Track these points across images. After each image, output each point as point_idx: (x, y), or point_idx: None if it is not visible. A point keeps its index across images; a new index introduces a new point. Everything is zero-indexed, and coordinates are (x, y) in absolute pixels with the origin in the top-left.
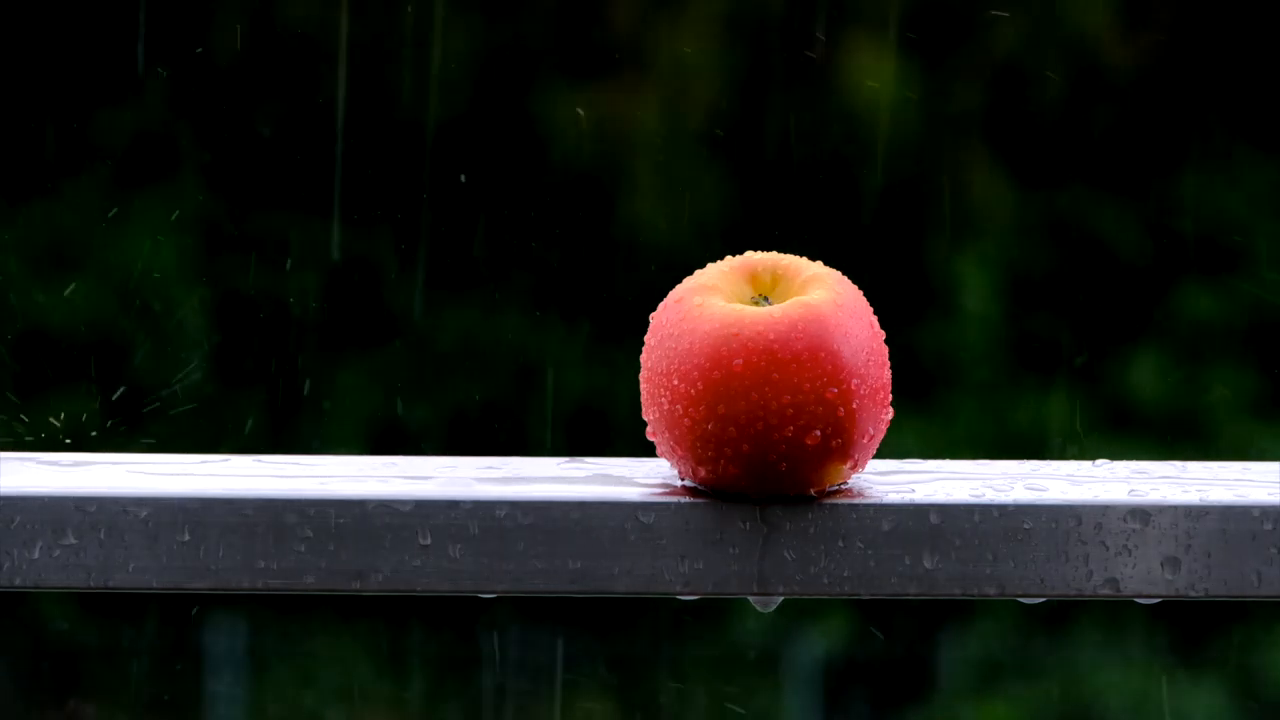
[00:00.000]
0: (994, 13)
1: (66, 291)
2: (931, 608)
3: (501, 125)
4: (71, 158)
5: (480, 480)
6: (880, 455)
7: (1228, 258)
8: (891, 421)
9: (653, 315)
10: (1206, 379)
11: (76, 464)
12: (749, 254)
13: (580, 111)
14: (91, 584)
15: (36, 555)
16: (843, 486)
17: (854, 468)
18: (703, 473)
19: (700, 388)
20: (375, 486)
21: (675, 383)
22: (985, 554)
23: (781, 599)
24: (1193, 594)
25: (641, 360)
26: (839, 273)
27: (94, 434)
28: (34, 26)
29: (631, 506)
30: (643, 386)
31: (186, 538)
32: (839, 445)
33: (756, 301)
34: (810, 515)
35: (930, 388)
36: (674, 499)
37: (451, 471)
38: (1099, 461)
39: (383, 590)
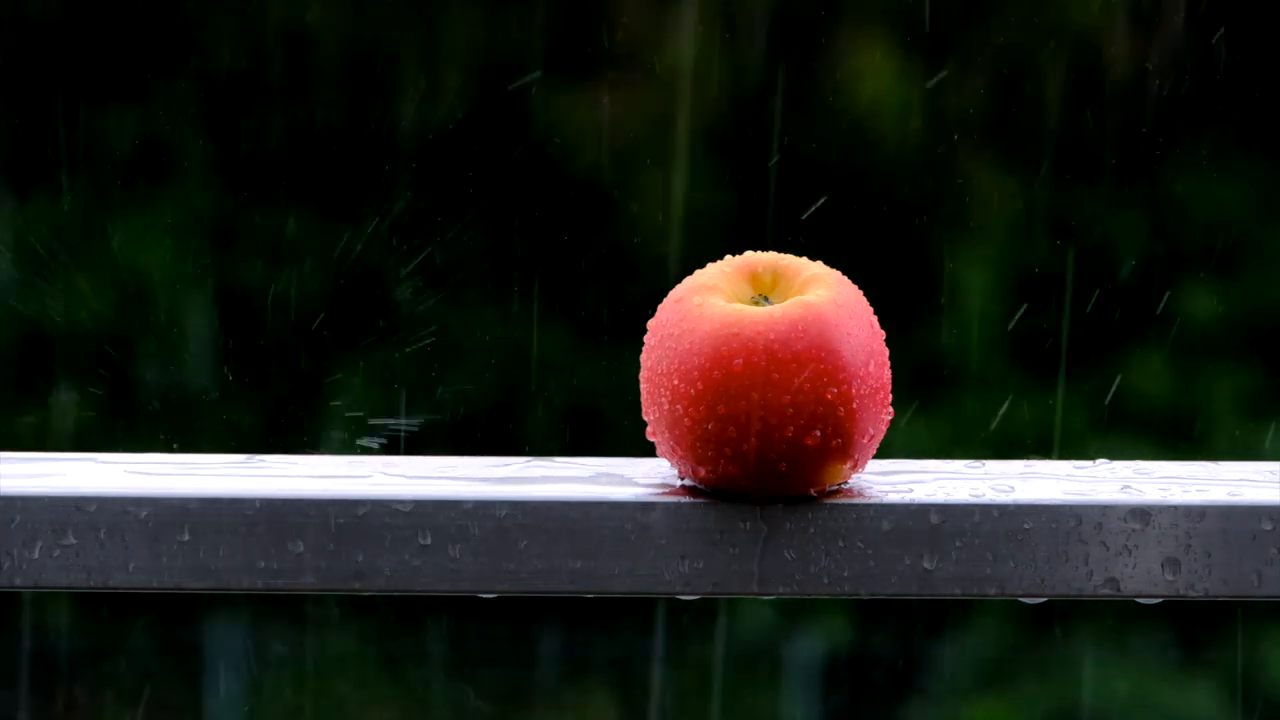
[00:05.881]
0: (994, 11)
1: (67, 291)
2: (931, 608)
3: (501, 125)
4: (72, 157)
5: (480, 480)
6: (880, 455)
7: (1228, 258)
8: (891, 421)
9: (652, 315)
10: (1206, 379)
11: (76, 464)
12: (749, 254)
13: (580, 111)
14: (91, 584)
15: (36, 555)
16: (843, 486)
17: (854, 468)
18: (703, 473)
19: (700, 388)
20: (375, 486)
21: (675, 383)
22: (985, 554)
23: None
24: (1193, 594)
25: (641, 360)
26: (839, 273)
27: (94, 434)
28: (35, 25)
29: (631, 506)
30: (643, 386)
31: (186, 538)
32: (839, 445)
33: (756, 301)
34: (810, 515)
35: (930, 388)
36: (674, 499)
37: (451, 471)
38: (1099, 461)
39: (383, 590)
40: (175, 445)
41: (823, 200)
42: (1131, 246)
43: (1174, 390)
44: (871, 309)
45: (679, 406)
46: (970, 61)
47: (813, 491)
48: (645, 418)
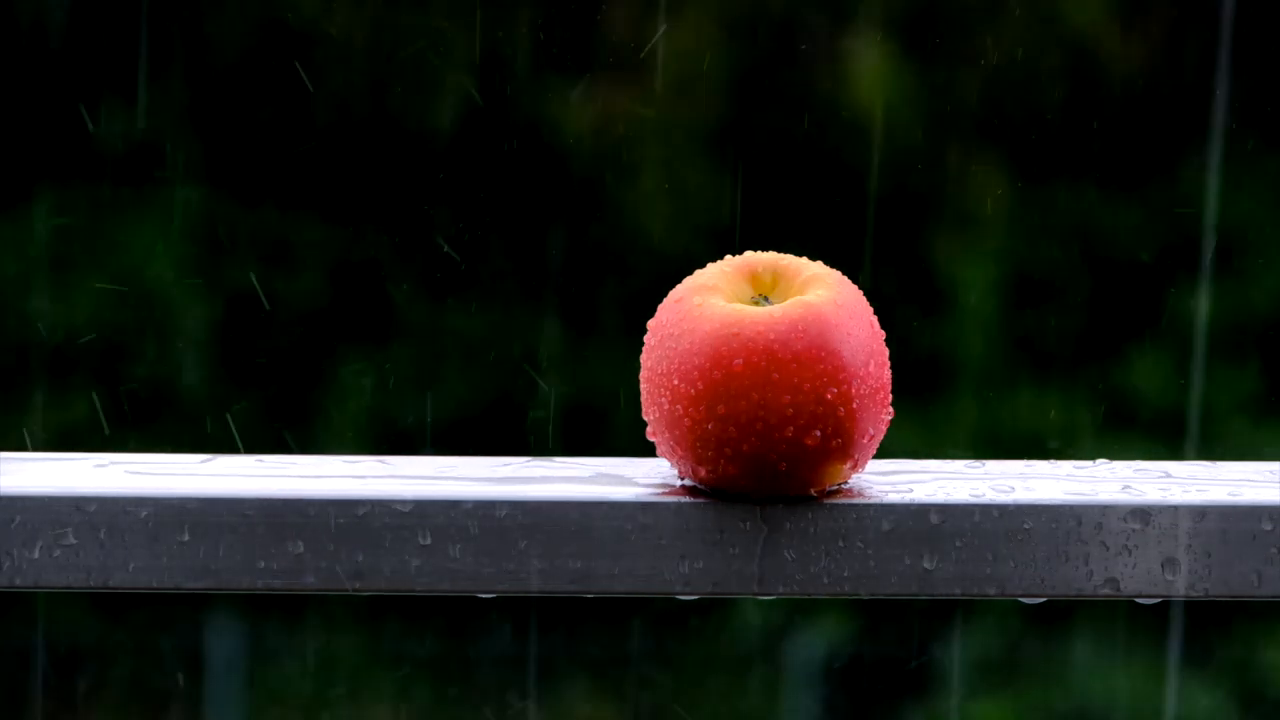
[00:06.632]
0: (995, 10)
1: (66, 291)
2: (931, 607)
3: (501, 124)
4: (71, 157)
5: (480, 480)
6: (880, 455)
7: (1228, 257)
8: (891, 421)
9: (652, 315)
10: (1207, 379)
11: (76, 464)
12: (749, 254)
13: (580, 111)
14: (91, 584)
15: (36, 555)
16: (843, 486)
17: (854, 468)
18: (703, 473)
19: (700, 388)
20: (375, 486)
21: (675, 383)
22: (985, 554)
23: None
24: (1193, 594)
25: (641, 360)
26: (839, 273)
27: (94, 434)
28: (34, 25)
29: (631, 506)
30: (643, 386)
31: (186, 538)
32: (839, 445)
33: (756, 301)
34: (810, 515)
35: (930, 387)
36: (674, 499)
37: (451, 471)
38: (1099, 461)
39: (383, 590)
40: (175, 445)
41: (822, 200)
42: (1132, 246)
43: (1174, 390)
44: (871, 309)
45: (679, 406)
46: (970, 60)
47: (813, 491)
48: (645, 418)
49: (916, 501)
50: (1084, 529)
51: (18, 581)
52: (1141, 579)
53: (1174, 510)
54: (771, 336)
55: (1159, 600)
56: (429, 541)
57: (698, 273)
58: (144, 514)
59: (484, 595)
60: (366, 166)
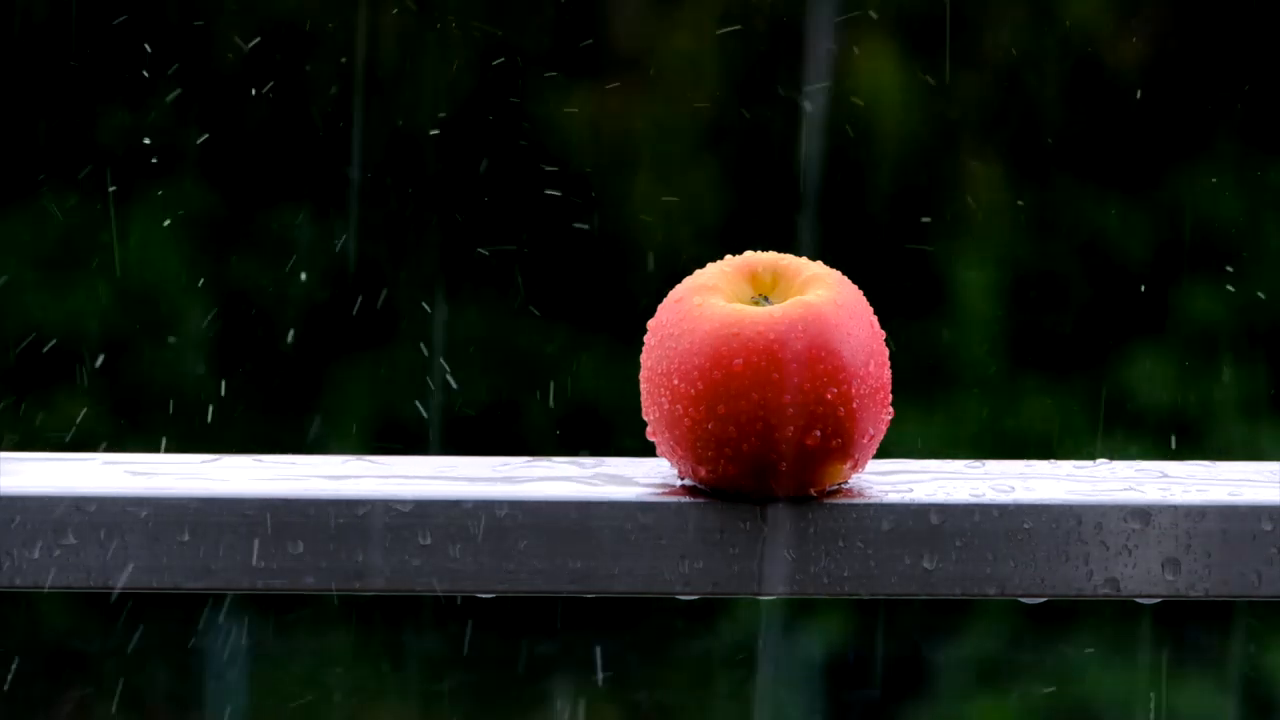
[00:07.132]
0: (995, 10)
1: (66, 291)
2: (931, 607)
3: (500, 124)
4: (71, 157)
5: (480, 480)
6: (880, 455)
7: (1228, 257)
8: (892, 421)
9: (653, 315)
10: (1207, 379)
11: (76, 464)
12: (749, 254)
13: (579, 111)
14: (91, 584)
15: (36, 555)
16: (843, 486)
17: (854, 468)
18: (703, 472)
19: (700, 387)
20: (375, 486)
21: (675, 382)
22: (985, 554)
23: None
24: (1193, 594)
25: (641, 360)
26: (839, 273)
27: (94, 434)
28: (34, 25)
29: (631, 506)
30: (643, 386)
31: (186, 538)
32: (839, 445)
33: (756, 301)
34: (810, 515)
35: (930, 387)
36: (674, 499)
37: (451, 471)
38: (1099, 461)
39: (383, 590)
40: (175, 445)
41: (822, 200)
42: (1132, 245)
43: (1174, 390)
44: (871, 309)
45: (679, 406)
46: (971, 60)
47: (813, 491)
48: (645, 418)
49: (916, 501)
50: (1084, 529)
51: (18, 581)
52: (1141, 579)
53: (1174, 510)
54: (771, 336)
55: (1159, 600)
56: (429, 541)
57: (698, 273)
58: (144, 514)
59: (484, 595)
60: (366, 166)
